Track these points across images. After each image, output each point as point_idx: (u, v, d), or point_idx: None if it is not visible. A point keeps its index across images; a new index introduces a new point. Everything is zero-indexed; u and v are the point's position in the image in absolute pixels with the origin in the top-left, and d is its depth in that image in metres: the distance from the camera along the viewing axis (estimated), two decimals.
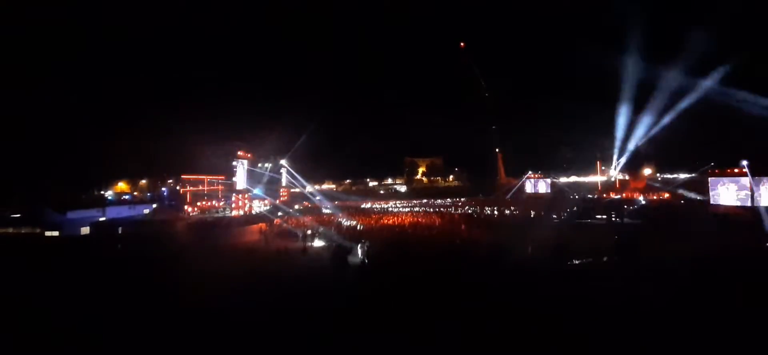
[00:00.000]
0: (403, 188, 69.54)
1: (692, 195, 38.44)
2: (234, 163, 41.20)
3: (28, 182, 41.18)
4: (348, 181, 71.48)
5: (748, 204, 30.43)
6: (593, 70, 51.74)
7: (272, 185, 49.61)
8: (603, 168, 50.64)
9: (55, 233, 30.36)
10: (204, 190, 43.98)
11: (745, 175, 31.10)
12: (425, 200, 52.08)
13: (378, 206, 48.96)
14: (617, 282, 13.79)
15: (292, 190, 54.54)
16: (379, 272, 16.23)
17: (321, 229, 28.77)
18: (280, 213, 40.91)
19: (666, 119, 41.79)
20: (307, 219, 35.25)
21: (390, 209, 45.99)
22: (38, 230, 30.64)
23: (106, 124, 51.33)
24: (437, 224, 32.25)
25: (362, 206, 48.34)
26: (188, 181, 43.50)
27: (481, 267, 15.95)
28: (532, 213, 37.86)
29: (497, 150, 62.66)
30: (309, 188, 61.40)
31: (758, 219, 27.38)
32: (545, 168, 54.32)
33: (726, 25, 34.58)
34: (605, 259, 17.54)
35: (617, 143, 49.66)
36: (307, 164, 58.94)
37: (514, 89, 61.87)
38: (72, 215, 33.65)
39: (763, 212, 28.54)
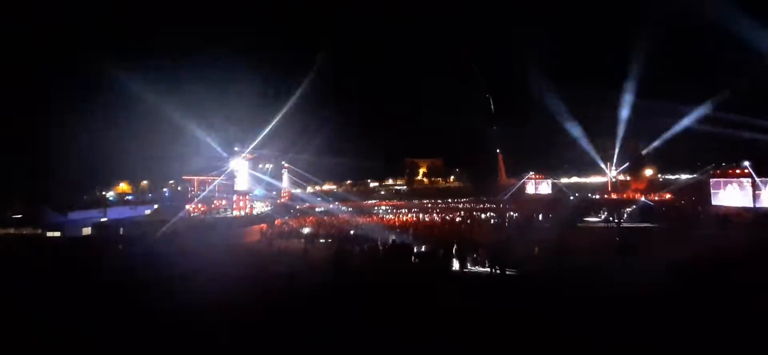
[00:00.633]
0: (403, 188, 69.61)
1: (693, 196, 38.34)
2: (234, 163, 41.27)
3: (30, 183, 41.33)
4: (349, 181, 71.53)
5: (751, 205, 30.34)
6: (593, 70, 51.75)
7: (273, 186, 49.74)
8: (604, 168, 50.59)
9: (57, 234, 30.46)
10: (205, 190, 44.08)
11: (747, 176, 31.02)
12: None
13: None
14: (617, 282, 13.73)
15: (293, 190, 54.67)
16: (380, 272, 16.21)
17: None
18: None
19: (668, 119, 41.74)
20: (308, 220, 35.32)
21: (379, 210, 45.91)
22: (39, 231, 30.73)
23: (107, 125, 51.40)
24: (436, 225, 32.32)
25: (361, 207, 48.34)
26: (189, 181, 43.63)
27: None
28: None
29: (498, 151, 62.65)
30: (308, 190, 61.56)
31: (760, 220, 27.27)
32: (547, 169, 54.29)
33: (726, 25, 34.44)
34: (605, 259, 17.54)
35: (619, 143, 49.68)
36: (308, 165, 59.08)
37: (515, 88, 61.70)
38: (73, 215, 33.81)
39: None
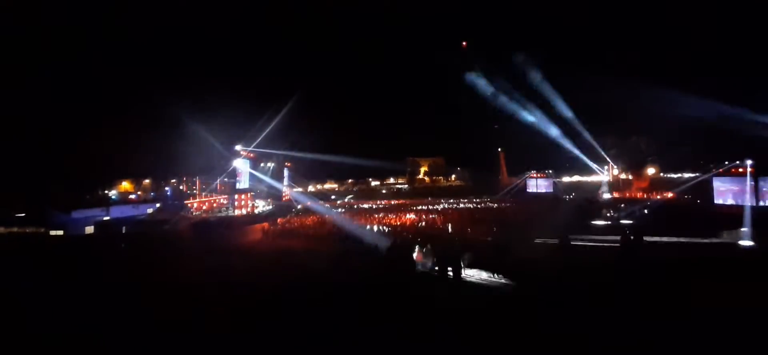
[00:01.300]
0: (405, 187, 69.63)
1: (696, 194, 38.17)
2: (236, 162, 41.36)
3: (33, 182, 41.53)
4: (350, 180, 71.61)
5: (752, 204, 30.20)
6: (594, 69, 51.50)
7: (274, 185, 49.81)
8: (606, 167, 50.48)
9: (60, 233, 30.60)
10: (207, 189, 44.23)
11: (749, 174, 30.88)
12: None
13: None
14: (618, 282, 13.72)
15: (294, 189, 54.74)
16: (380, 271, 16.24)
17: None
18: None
19: (670, 118, 41.50)
20: (310, 219, 35.35)
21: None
22: (43, 230, 30.88)
23: (109, 124, 51.57)
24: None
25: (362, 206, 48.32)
26: (191, 180, 43.76)
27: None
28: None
29: (499, 149, 62.55)
30: (310, 188, 61.61)
31: (762, 219, 27.15)
32: (549, 167, 54.17)
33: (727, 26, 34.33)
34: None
35: (621, 142, 49.56)
36: (309, 164, 59.13)
37: (515, 88, 61.59)
38: (76, 214, 33.93)
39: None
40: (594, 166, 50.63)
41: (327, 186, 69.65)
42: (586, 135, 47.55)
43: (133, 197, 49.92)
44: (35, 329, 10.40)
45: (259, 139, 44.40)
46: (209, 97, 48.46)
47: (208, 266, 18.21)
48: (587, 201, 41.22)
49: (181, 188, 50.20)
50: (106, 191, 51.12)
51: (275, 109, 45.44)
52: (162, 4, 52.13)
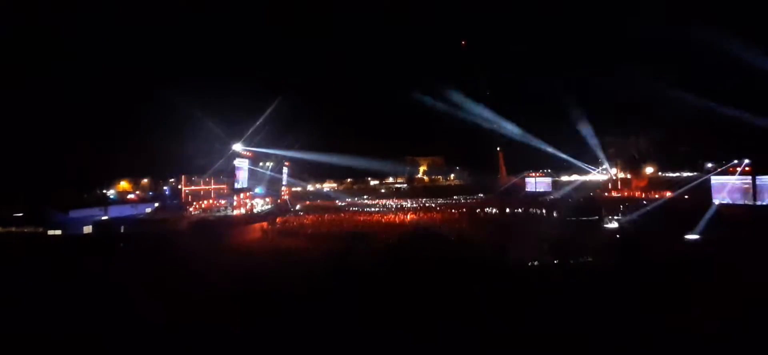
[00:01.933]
0: (404, 186, 69.53)
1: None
2: (235, 162, 41.26)
3: (31, 181, 41.34)
4: (349, 179, 71.49)
5: (750, 203, 30.32)
6: (595, 69, 51.56)
7: (274, 184, 49.68)
8: (605, 166, 50.55)
9: (58, 232, 30.47)
10: (206, 188, 44.08)
11: (747, 174, 30.99)
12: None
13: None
14: (618, 281, 13.73)
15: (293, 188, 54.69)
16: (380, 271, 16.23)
17: None
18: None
19: (668, 118, 41.60)
20: (310, 218, 35.32)
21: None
22: (41, 229, 30.75)
23: (107, 124, 51.43)
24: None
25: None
26: (190, 179, 43.60)
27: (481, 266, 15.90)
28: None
29: (498, 149, 62.53)
30: (309, 187, 61.54)
31: (760, 217, 27.27)
32: (548, 167, 54.23)
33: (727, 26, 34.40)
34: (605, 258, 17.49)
35: (619, 141, 49.62)
36: (309, 163, 59.03)
37: (516, 87, 61.62)
38: (74, 214, 33.79)
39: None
40: (594, 166, 50.79)
41: (326, 185, 69.53)
42: (586, 135, 47.77)
43: (131, 196, 49.72)
44: (35, 329, 10.35)
45: (258, 138, 44.38)
46: (208, 97, 48.32)
47: (208, 266, 18.17)
48: (585, 200, 41.23)
49: (179, 187, 50.02)
50: (105, 191, 50.89)
51: (275, 108, 45.41)
52: (162, 4, 51.99)
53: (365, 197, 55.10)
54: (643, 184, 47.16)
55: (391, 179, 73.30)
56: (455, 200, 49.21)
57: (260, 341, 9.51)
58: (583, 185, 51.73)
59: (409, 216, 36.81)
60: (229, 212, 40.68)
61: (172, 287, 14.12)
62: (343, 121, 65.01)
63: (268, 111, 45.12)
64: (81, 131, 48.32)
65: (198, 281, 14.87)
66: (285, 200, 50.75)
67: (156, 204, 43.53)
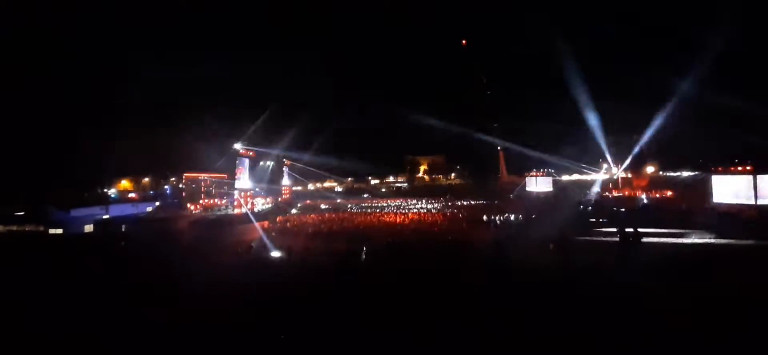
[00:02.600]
0: (404, 186, 69.60)
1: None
2: (236, 161, 41.31)
3: (32, 180, 41.46)
4: (350, 179, 71.57)
5: (752, 202, 30.17)
6: (595, 68, 51.52)
7: (274, 183, 49.76)
8: (606, 166, 50.42)
9: (59, 231, 30.56)
10: (206, 188, 44.16)
11: (748, 172, 30.85)
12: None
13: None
14: (619, 280, 13.72)
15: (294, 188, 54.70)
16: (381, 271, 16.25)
17: None
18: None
19: (669, 117, 41.50)
20: (310, 217, 35.33)
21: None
22: (42, 228, 30.85)
23: (109, 123, 51.56)
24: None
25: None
26: (190, 179, 43.70)
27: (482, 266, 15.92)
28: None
29: (499, 148, 62.53)
30: (310, 187, 61.52)
31: (761, 216, 27.17)
32: (548, 166, 54.15)
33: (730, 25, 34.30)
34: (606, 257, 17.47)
35: (620, 141, 49.49)
36: (310, 162, 59.11)
37: (516, 87, 61.67)
38: (76, 212, 33.90)
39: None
40: (594, 164, 50.64)
41: (327, 184, 69.61)
42: (586, 135, 47.65)
43: (132, 195, 49.82)
44: (36, 328, 10.38)
45: (259, 138, 44.46)
46: (209, 97, 48.47)
47: (208, 265, 18.20)
48: (584, 200, 41.15)
49: (180, 186, 50.11)
50: (106, 190, 51.00)
51: (275, 108, 45.49)
52: (163, 4, 52.02)
53: (366, 195, 55.27)
54: (644, 183, 47.09)
55: (391, 178, 73.39)
56: (459, 205, 45.46)
57: (260, 341, 9.52)
58: (585, 184, 51.68)
59: (409, 216, 36.86)
60: (229, 211, 40.73)
61: (173, 286, 14.13)
62: (343, 121, 65.09)
63: (270, 111, 45.24)
64: (82, 130, 48.43)
65: (198, 281, 14.88)
66: (285, 199, 50.81)
67: (157, 203, 43.62)
